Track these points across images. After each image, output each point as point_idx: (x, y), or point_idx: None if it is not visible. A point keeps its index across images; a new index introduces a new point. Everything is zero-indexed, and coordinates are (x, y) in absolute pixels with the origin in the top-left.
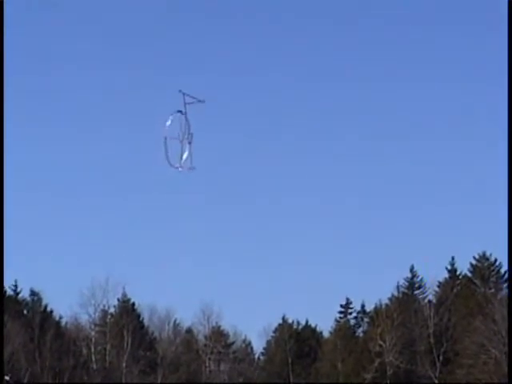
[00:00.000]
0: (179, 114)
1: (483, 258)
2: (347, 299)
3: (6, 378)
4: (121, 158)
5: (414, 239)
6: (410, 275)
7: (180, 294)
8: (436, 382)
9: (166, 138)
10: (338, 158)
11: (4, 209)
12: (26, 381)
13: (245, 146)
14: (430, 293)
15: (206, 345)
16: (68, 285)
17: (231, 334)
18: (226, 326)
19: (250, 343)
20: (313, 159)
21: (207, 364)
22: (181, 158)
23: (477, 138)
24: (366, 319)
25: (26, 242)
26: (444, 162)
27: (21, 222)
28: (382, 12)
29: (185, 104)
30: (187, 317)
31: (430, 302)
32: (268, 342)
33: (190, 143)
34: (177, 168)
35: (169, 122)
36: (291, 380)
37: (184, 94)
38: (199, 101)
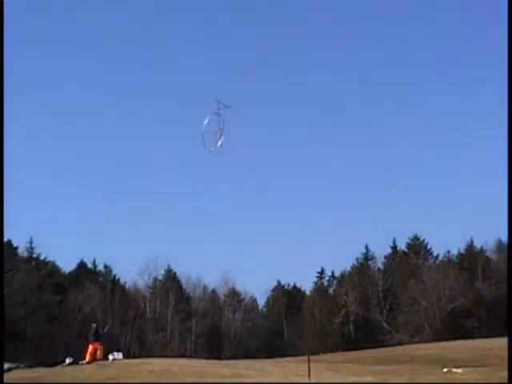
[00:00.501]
0: (215, 115)
1: (415, 238)
2: (322, 268)
3: (93, 325)
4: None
5: (368, 227)
6: (365, 251)
7: (207, 265)
8: (384, 324)
9: (203, 132)
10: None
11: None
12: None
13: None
14: (379, 263)
15: (225, 301)
16: (130, 260)
17: (242, 292)
18: (239, 287)
19: (255, 299)
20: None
21: (226, 314)
22: (215, 144)
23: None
24: (335, 281)
25: (100, 230)
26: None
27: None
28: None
29: (219, 108)
30: (212, 281)
31: (379, 269)
32: (268, 298)
33: (221, 135)
34: (211, 151)
35: (206, 121)
36: (284, 325)
37: (218, 101)
38: (227, 106)
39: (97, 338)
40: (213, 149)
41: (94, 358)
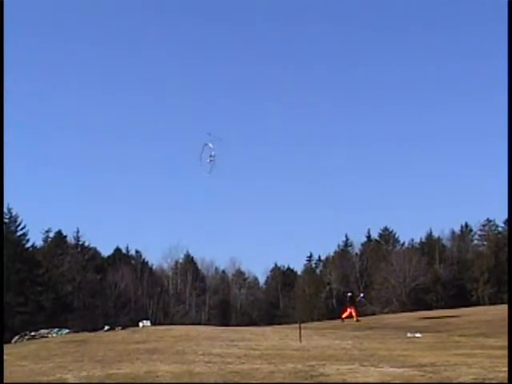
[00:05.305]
0: (208, 145)
1: (385, 229)
2: (310, 252)
3: (349, 293)
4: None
5: (348, 220)
6: (345, 239)
7: (218, 251)
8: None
9: (200, 156)
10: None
11: None
12: (133, 301)
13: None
14: (357, 249)
15: (232, 279)
16: (156, 246)
17: (247, 272)
18: (244, 268)
19: (257, 278)
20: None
21: (233, 290)
22: (208, 164)
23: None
24: (321, 264)
25: (133, 222)
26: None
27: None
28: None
29: (210, 139)
30: (222, 264)
31: (356, 254)
32: (267, 277)
33: (213, 158)
34: (208, 172)
35: (201, 151)
36: (280, 298)
37: (209, 134)
38: (218, 139)
39: (352, 303)
40: (208, 171)
41: (348, 317)
